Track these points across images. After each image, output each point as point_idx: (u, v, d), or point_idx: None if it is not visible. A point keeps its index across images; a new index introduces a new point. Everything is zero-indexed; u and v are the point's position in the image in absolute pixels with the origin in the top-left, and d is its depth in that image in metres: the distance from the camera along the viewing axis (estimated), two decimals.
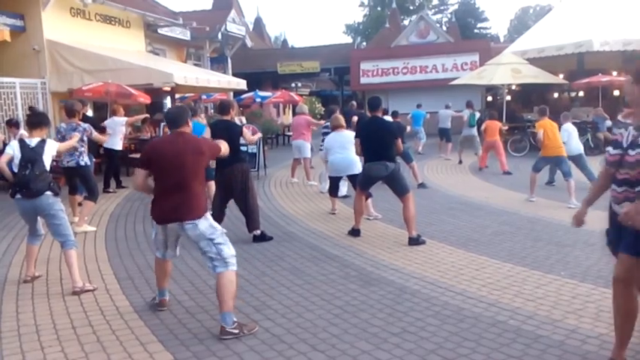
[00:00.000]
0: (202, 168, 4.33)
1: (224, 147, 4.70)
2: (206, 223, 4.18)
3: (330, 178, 8.48)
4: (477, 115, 14.92)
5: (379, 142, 6.73)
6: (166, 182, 4.20)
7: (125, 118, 11.41)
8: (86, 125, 7.58)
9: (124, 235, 7.33)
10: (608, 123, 15.77)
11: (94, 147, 9.42)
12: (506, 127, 13.74)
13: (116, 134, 10.89)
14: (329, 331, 4.06)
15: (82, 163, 7.59)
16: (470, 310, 4.40)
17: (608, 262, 5.57)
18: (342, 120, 8.39)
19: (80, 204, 7.90)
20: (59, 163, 7.71)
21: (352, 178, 7.94)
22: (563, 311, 4.30)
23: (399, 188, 6.71)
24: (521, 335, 3.88)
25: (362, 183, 7.07)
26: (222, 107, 7.14)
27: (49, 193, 5.09)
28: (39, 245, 5.58)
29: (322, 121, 12.06)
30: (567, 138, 9.09)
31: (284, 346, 3.83)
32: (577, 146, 9.33)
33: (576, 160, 9.38)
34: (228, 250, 4.17)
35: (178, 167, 4.15)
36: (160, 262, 4.57)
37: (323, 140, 9.78)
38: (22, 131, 10.17)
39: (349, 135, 7.93)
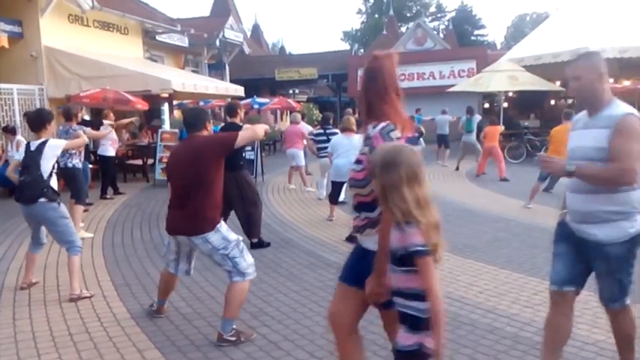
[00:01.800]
0: (209, 174, 3.94)
1: (242, 135, 4.05)
2: (218, 237, 3.96)
3: (333, 183, 8.36)
4: (478, 118, 14.82)
5: None
6: (173, 191, 4.08)
7: (109, 121, 11.26)
8: (76, 127, 7.57)
9: (121, 242, 7.32)
10: None
11: (87, 153, 9.39)
12: (502, 128, 13.78)
13: (106, 140, 10.85)
14: (327, 338, 4.04)
15: (70, 165, 7.55)
16: (467, 316, 4.40)
17: None
18: (353, 123, 8.17)
19: (86, 210, 7.89)
20: None
21: None
22: None
23: None
24: (519, 342, 3.89)
25: None
26: (230, 109, 7.05)
27: (43, 200, 4.95)
28: (39, 254, 5.55)
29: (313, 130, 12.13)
30: None
31: (281, 353, 3.82)
32: None
33: None
34: (245, 263, 4.00)
35: (179, 176, 4.02)
36: (168, 276, 4.40)
37: (318, 149, 9.74)
38: (19, 137, 10.18)
39: (358, 139, 7.85)
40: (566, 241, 3.14)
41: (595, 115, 2.97)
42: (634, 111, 2.90)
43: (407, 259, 2.25)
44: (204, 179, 3.94)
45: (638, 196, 2.91)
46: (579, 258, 3.10)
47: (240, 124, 7.06)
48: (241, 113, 7.08)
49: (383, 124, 2.61)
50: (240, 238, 4.16)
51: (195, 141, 4.08)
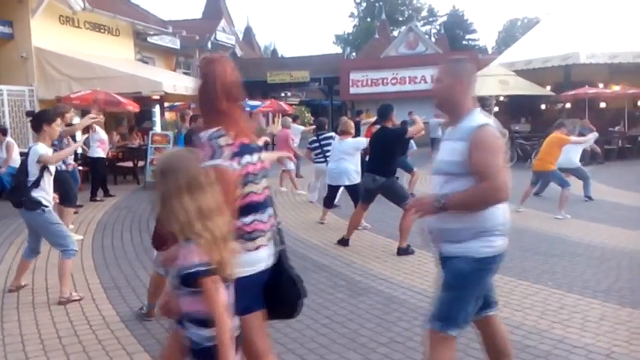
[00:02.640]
0: None
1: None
2: None
3: (329, 186, 8.37)
4: None
5: (376, 155, 6.76)
6: None
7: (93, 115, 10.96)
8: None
9: (110, 244, 7.27)
10: (595, 134, 15.96)
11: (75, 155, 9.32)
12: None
13: (93, 141, 10.78)
14: (317, 341, 4.05)
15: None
16: None
17: (594, 273, 5.63)
18: (351, 126, 8.20)
19: (76, 212, 7.80)
20: None
21: (351, 192, 7.89)
22: (550, 321, 4.32)
23: (396, 200, 6.68)
24: None
25: (362, 195, 7.05)
26: None
27: (23, 208, 4.93)
28: (32, 261, 5.49)
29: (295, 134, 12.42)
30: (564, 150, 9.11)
31: None
32: (570, 159, 9.45)
33: (572, 172, 9.53)
34: None
35: None
36: (158, 278, 4.39)
37: (320, 153, 9.71)
38: (9, 139, 10.11)
39: (349, 144, 7.88)
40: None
41: (455, 126, 2.82)
42: (489, 121, 2.72)
43: (191, 280, 2.02)
44: None
45: (496, 211, 2.72)
46: None
47: None
48: None
49: (212, 130, 2.44)
50: None
51: None
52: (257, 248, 2.49)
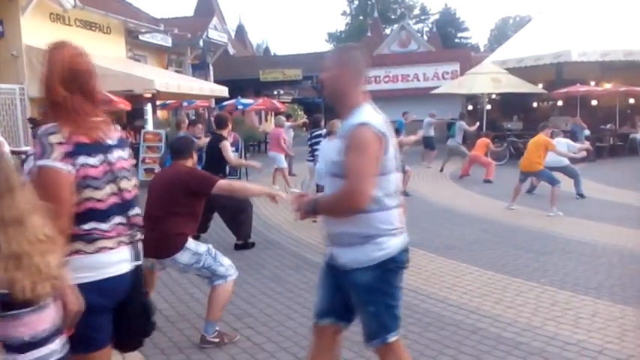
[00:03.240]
0: (179, 204, 3.92)
1: (220, 184, 3.96)
2: (187, 255, 3.88)
3: (317, 186, 8.40)
4: (463, 126, 14.90)
5: None
6: (146, 212, 3.93)
7: None
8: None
9: None
10: (586, 132, 16.06)
11: None
12: (496, 147, 14.23)
13: None
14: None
15: None
16: (451, 317, 4.42)
17: (585, 269, 5.66)
18: (338, 127, 8.23)
19: None
20: None
21: None
22: (542, 318, 4.34)
23: None
24: (502, 342, 3.91)
25: None
26: (220, 121, 7.17)
27: None
28: None
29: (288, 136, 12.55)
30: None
31: (265, 355, 3.80)
32: (559, 158, 9.49)
33: (561, 171, 9.59)
34: (222, 267, 3.96)
35: (152, 198, 4.06)
36: (146, 272, 4.34)
37: (311, 151, 9.73)
38: (1, 138, 10.02)
39: (337, 144, 7.88)
40: (328, 269, 2.70)
41: (344, 121, 2.59)
42: (370, 120, 2.43)
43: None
44: (174, 207, 3.93)
45: (382, 217, 2.49)
46: (338, 289, 2.64)
47: (226, 136, 7.08)
48: (230, 126, 7.23)
49: (48, 125, 2.19)
50: (211, 245, 4.09)
51: (176, 169, 4.16)
52: (97, 251, 2.19)
